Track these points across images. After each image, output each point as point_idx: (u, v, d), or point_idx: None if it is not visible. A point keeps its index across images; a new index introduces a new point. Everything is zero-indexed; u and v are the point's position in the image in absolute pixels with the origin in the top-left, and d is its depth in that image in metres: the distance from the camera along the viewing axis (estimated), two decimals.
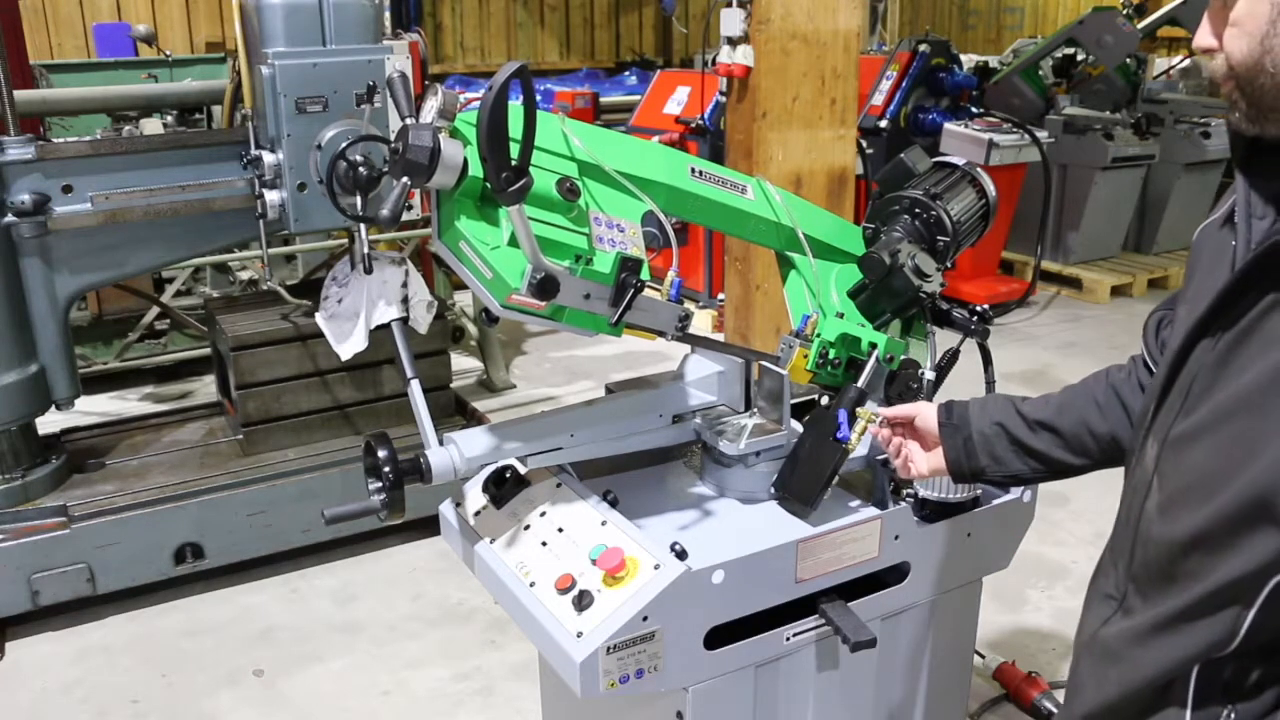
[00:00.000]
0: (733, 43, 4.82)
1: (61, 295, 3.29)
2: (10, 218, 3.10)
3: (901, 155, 2.04)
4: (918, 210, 1.94)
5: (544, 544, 1.75)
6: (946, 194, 1.96)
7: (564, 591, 1.63)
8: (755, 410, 1.98)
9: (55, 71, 6.07)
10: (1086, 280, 6.95)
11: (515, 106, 1.44)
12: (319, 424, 3.81)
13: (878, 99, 6.60)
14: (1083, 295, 6.94)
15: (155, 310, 5.01)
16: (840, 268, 1.97)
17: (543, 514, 1.82)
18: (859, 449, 1.80)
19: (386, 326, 3.24)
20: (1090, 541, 3.74)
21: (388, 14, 3.92)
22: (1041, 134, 6.25)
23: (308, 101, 3.19)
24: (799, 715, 1.84)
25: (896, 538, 1.81)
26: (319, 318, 3.43)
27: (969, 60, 7.38)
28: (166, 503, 3.39)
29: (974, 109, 6.54)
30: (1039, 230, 5.88)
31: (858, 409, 1.76)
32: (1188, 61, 8.55)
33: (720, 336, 5.72)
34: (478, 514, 1.91)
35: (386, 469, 1.67)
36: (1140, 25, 6.89)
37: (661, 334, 1.68)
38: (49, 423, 3.60)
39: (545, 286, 1.50)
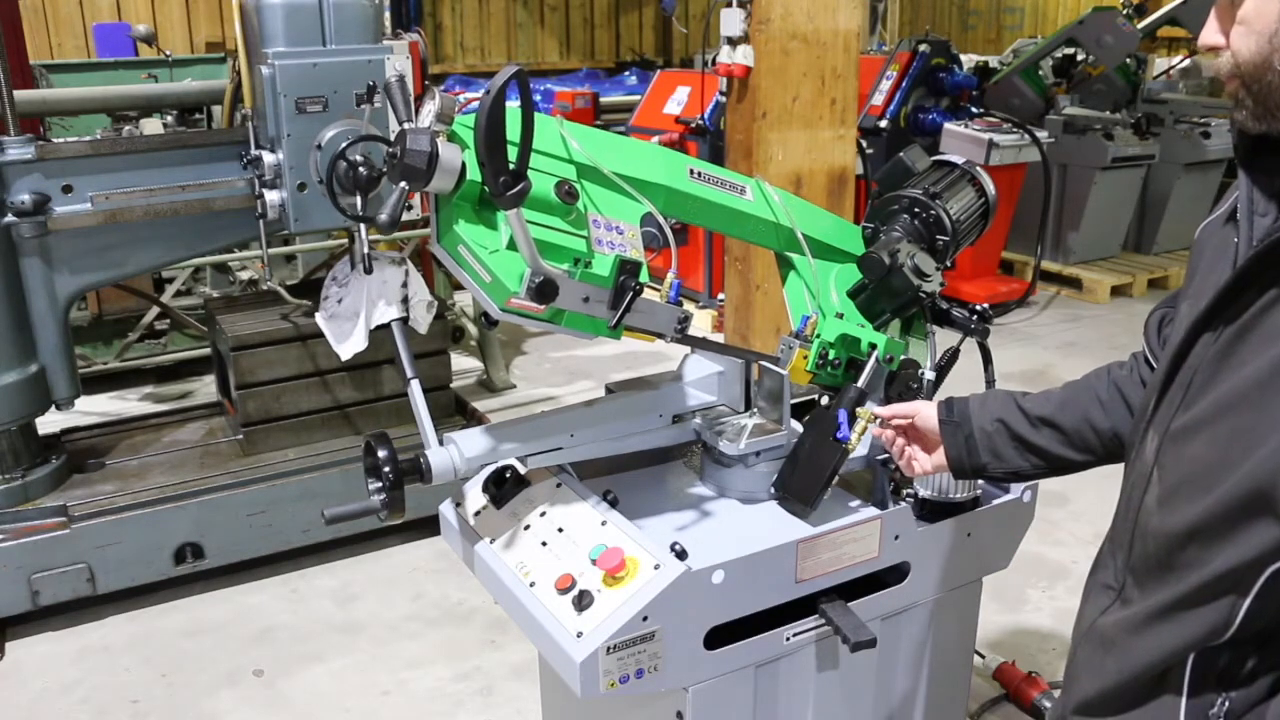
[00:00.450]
0: (733, 43, 4.82)
1: (61, 295, 3.29)
2: (10, 218, 3.10)
3: (900, 154, 2.04)
4: (917, 209, 1.94)
5: (544, 544, 1.75)
6: (946, 193, 1.96)
7: (564, 591, 1.63)
8: (755, 410, 1.98)
9: (55, 71, 6.08)
10: (1086, 280, 6.95)
11: (513, 109, 1.44)
12: (319, 424, 3.81)
13: (878, 99, 6.60)
14: (1083, 295, 6.94)
15: (155, 310, 5.01)
16: (840, 268, 1.97)
17: (543, 514, 1.82)
18: (859, 449, 1.80)
19: (386, 326, 3.24)
20: (1090, 541, 3.73)
21: (388, 14, 3.92)
22: (1041, 134, 6.25)
23: (308, 101, 3.19)
24: (799, 715, 1.84)
25: (896, 538, 1.81)
26: (319, 318, 3.43)
27: (969, 60, 7.38)
28: (166, 503, 3.40)
29: (974, 109, 6.54)
30: (1039, 230, 5.88)
31: (858, 409, 1.76)
32: (1188, 61, 8.55)
33: (720, 336, 5.72)
34: (478, 514, 1.91)
35: (386, 469, 1.67)
36: (1140, 25, 6.89)
37: (661, 336, 1.68)
38: (49, 423, 3.60)
39: (544, 290, 1.50)
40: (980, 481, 1.84)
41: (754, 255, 5.02)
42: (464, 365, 5.49)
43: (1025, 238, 7.02)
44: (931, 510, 1.85)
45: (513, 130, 1.42)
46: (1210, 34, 1.19)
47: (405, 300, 3.38)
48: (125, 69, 6.34)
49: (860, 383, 1.83)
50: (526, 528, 1.81)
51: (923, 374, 1.93)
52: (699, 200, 1.80)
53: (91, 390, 4.79)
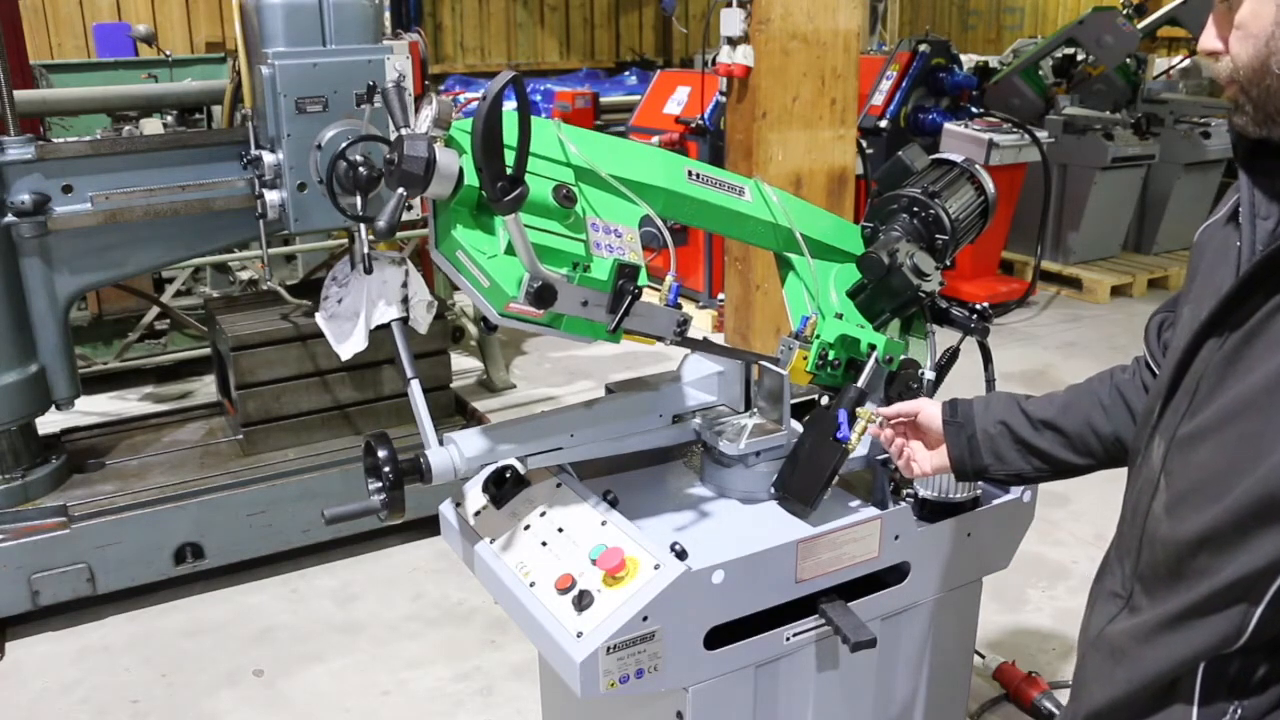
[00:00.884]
0: (733, 43, 4.83)
1: (61, 295, 3.29)
2: (10, 218, 3.10)
3: (899, 153, 2.04)
4: (916, 209, 1.94)
5: (544, 544, 1.75)
6: (945, 191, 1.96)
7: (564, 591, 1.63)
8: (755, 410, 1.98)
9: (55, 71, 6.08)
10: (1086, 280, 6.95)
11: (510, 113, 1.44)
12: (319, 424, 3.81)
13: (878, 99, 6.60)
14: (1083, 295, 6.94)
15: (155, 310, 5.01)
16: (839, 267, 1.97)
17: (543, 514, 1.82)
18: (859, 449, 1.80)
19: (386, 326, 3.24)
20: (1090, 542, 3.74)
21: (388, 14, 3.93)
22: (1041, 134, 6.25)
23: (308, 101, 3.19)
24: (799, 715, 1.84)
25: (896, 538, 1.81)
26: (319, 318, 3.43)
27: (969, 60, 7.39)
28: (166, 503, 3.40)
29: (974, 109, 6.54)
30: (1039, 230, 5.88)
31: (858, 409, 1.76)
32: (1188, 61, 8.56)
33: (720, 336, 5.72)
34: (478, 514, 1.91)
35: (386, 469, 1.67)
36: (1140, 25, 6.89)
37: (660, 339, 1.68)
38: (49, 423, 3.60)
39: (543, 295, 1.51)
40: (980, 482, 1.84)
41: (754, 255, 5.02)
42: (464, 365, 5.49)
43: (1025, 238, 7.03)
44: (931, 510, 1.85)
45: (510, 134, 1.42)
46: (1209, 39, 1.19)
47: (405, 300, 3.38)
48: (125, 69, 6.35)
49: (860, 383, 1.83)
50: (526, 528, 1.81)
51: (923, 374, 1.93)
52: (698, 202, 1.80)
53: (91, 390, 4.79)
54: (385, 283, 3.32)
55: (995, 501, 1.92)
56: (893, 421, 1.75)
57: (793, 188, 4.93)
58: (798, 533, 1.73)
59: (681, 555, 1.62)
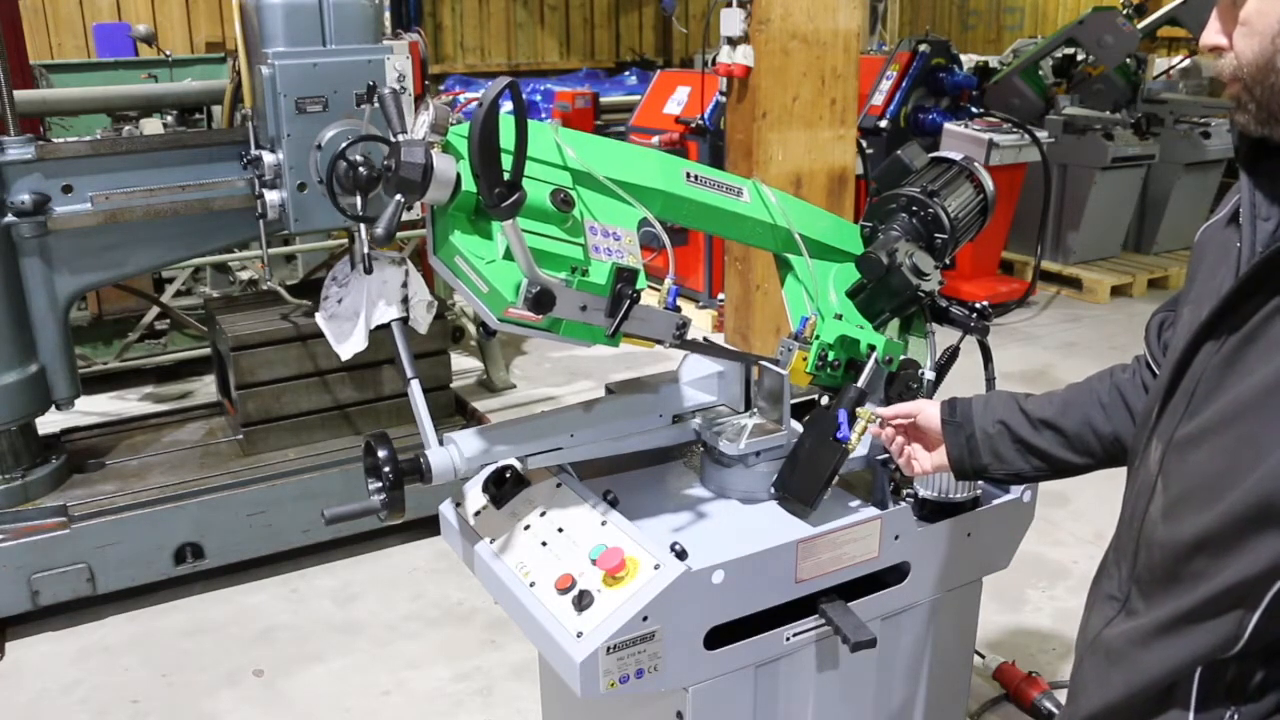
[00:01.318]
0: (733, 43, 4.83)
1: (61, 295, 3.29)
2: (10, 218, 3.10)
3: (898, 152, 2.04)
4: (915, 208, 1.94)
5: (544, 544, 1.75)
6: (944, 190, 1.96)
7: (564, 591, 1.63)
8: (755, 410, 1.98)
9: (55, 71, 6.08)
10: (1086, 280, 6.95)
11: (507, 118, 1.43)
12: (319, 424, 3.81)
13: (878, 99, 6.60)
14: (1083, 295, 6.94)
15: (155, 310, 5.01)
16: (839, 267, 1.97)
17: (543, 514, 1.82)
18: (859, 449, 1.80)
19: (386, 326, 3.24)
20: (1090, 541, 3.74)
21: (388, 14, 3.93)
22: (1041, 134, 6.25)
23: (308, 101, 3.19)
24: (799, 715, 1.84)
25: (896, 538, 1.81)
26: (319, 318, 3.43)
27: (969, 60, 7.39)
28: (166, 503, 3.39)
29: (974, 109, 6.54)
30: (1039, 230, 5.87)
31: (858, 409, 1.76)
32: (1188, 61, 8.56)
33: (720, 336, 5.72)
34: (478, 514, 1.91)
35: (386, 469, 1.67)
36: (1140, 25, 6.89)
37: (659, 342, 1.68)
38: (49, 423, 3.60)
39: (541, 300, 1.51)
40: (980, 481, 1.84)
41: (754, 255, 5.02)
42: (464, 365, 5.49)
43: (1025, 238, 7.03)
44: (931, 510, 1.84)
45: (507, 139, 1.42)
46: (1212, 35, 1.18)
47: (405, 300, 3.37)
48: (125, 69, 6.35)
49: (860, 384, 1.83)
50: (526, 528, 1.81)
51: (922, 374, 1.93)
52: (696, 204, 1.80)
53: (91, 390, 4.79)
54: (385, 283, 3.32)
55: (995, 501, 1.92)
56: (893, 422, 1.75)
57: (793, 188, 4.93)
58: (798, 533, 1.73)
59: (681, 555, 1.62)
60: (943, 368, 1.97)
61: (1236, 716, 1.21)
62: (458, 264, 1.58)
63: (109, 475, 3.58)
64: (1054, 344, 6.02)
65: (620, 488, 1.88)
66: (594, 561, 1.64)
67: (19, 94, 3.53)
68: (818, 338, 1.83)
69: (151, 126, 4.99)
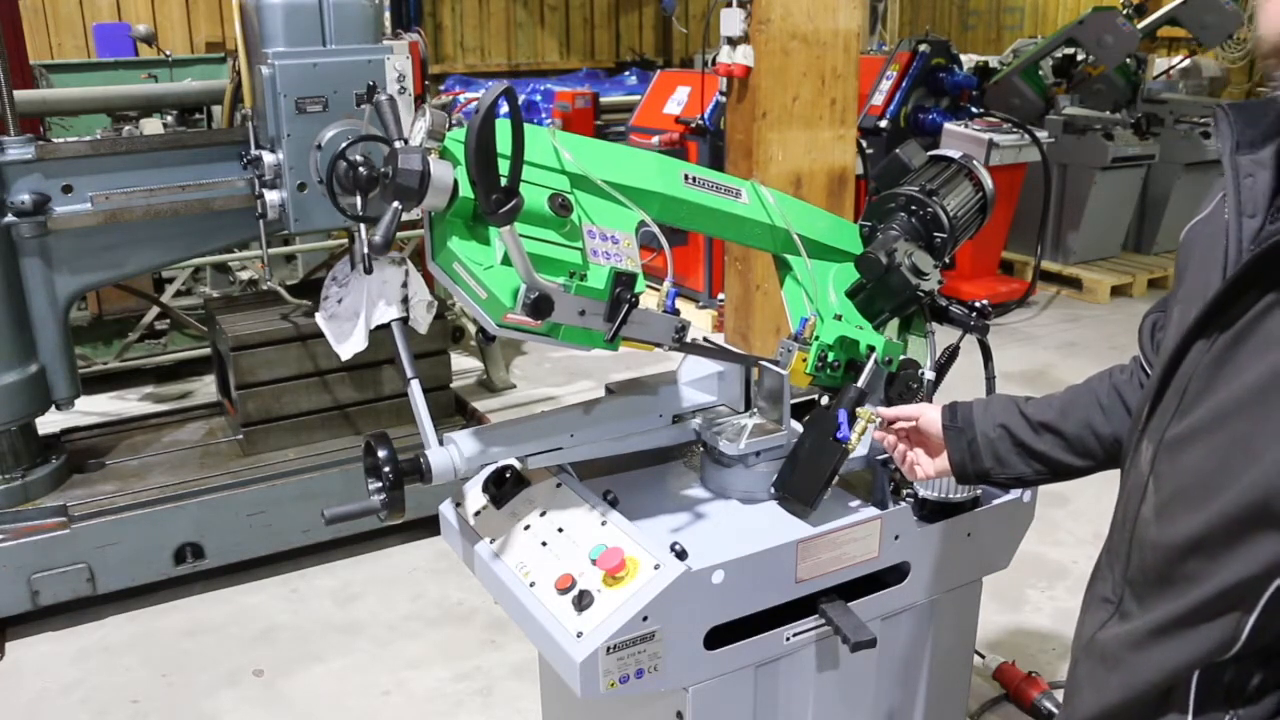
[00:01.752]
0: (733, 43, 4.83)
1: (61, 295, 3.29)
2: (10, 218, 3.10)
3: (897, 150, 2.04)
4: (914, 207, 1.94)
5: (544, 544, 1.75)
6: (943, 189, 1.96)
7: (564, 591, 1.63)
8: (755, 410, 1.98)
9: (55, 71, 6.08)
10: (1086, 280, 6.95)
11: (504, 122, 1.43)
12: (319, 424, 3.81)
13: (878, 99, 6.60)
14: (1083, 295, 6.94)
15: (155, 310, 5.01)
16: (838, 267, 1.97)
17: (543, 514, 1.82)
18: (859, 449, 1.80)
19: (386, 326, 3.24)
20: (1090, 542, 3.74)
21: (388, 14, 3.93)
22: (1041, 134, 6.25)
23: (308, 101, 3.19)
24: (799, 715, 1.84)
25: (896, 538, 1.81)
26: (319, 318, 3.43)
27: (969, 60, 7.38)
28: (166, 503, 3.39)
29: (974, 109, 6.54)
30: (1039, 230, 5.88)
31: (858, 409, 1.76)
32: (1188, 61, 8.56)
33: (720, 337, 5.72)
34: (478, 514, 1.91)
35: (386, 469, 1.67)
36: (1140, 25, 6.88)
37: (658, 345, 1.68)
38: (49, 423, 3.60)
39: (539, 306, 1.51)
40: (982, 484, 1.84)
41: (754, 255, 5.02)
42: (464, 365, 5.49)
43: (1025, 238, 7.02)
44: (931, 510, 1.85)
45: (504, 143, 1.42)
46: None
47: (405, 300, 3.37)
48: (125, 69, 6.35)
49: (859, 384, 1.83)
50: (526, 528, 1.81)
51: (922, 373, 1.93)
52: (695, 206, 1.80)
53: (91, 390, 4.79)
54: (385, 283, 3.32)
55: (995, 502, 1.92)
56: (894, 426, 1.75)
57: (793, 188, 4.93)
58: (798, 533, 1.73)
59: (681, 555, 1.62)
60: (943, 367, 1.97)
61: (1235, 719, 1.21)
62: (456, 270, 1.58)
63: (109, 475, 3.58)
64: (1054, 344, 6.02)
65: (620, 488, 1.88)
66: (594, 561, 1.64)
67: (19, 94, 3.53)
68: (817, 338, 1.82)
69: (151, 126, 4.99)
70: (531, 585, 1.69)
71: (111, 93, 4.91)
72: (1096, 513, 3.89)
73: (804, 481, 1.80)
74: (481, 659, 3.19)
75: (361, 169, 3.02)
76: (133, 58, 7.10)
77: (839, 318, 1.87)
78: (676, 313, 1.69)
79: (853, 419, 1.75)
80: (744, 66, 4.81)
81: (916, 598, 1.90)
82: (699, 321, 6.22)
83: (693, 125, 6.21)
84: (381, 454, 1.67)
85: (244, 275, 5.41)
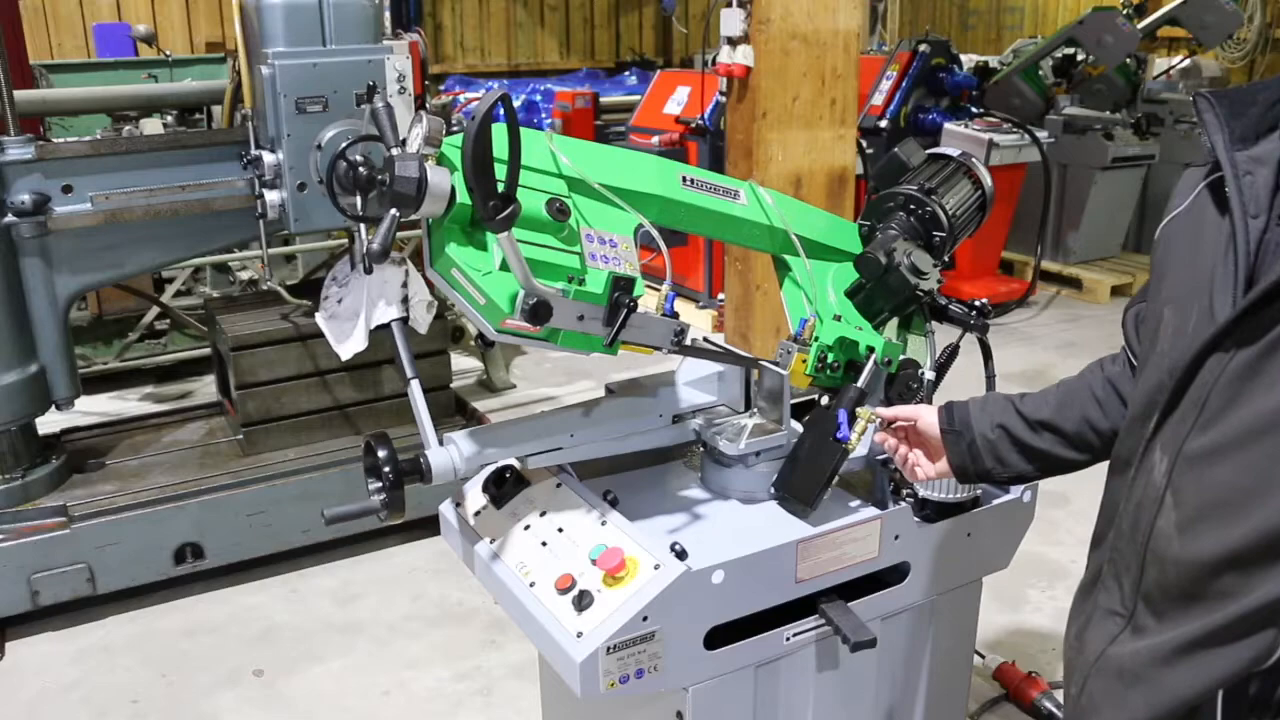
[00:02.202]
0: (733, 43, 4.83)
1: (61, 295, 3.29)
2: (10, 218, 3.10)
3: (895, 149, 2.04)
4: (912, 206, 1.94)
5: (544, 544, 1.75)
6: (941, 187, 1.96)
7: (564, 591, 1.63)
8: (755, 410, 1.98)
9: (55, 71, 6.07)
10: (1086, 280, 6.95)
11: (501, 127, 1.43)
12: (319, 424, 3.81)
13: (878, 99, 6.60)
14: (1083, 295, 6.94)
15: (155, 310, 5.01)
16: (838, 266, 1.97)
17: (543, 514, 1.82)
18: (859, 449, 1.80)
19: (386, 326, 3.24)
20: (1090, 542, 3.72)
21: (388, 14, 3.93)
22: (1041, 134, 6.25)
23: (308, 101, 3.19)
24: (799, 715, 1.84)
25: (896, 538, 1.81)
26: (319, 318, 3.43)
27: (969, 60, 7.38)
28: (166, 503, 3.40)
29: (974, 109, 6.54)
30: (1039, 230, 5.89)
31: (858, 409, 1.76)
32: (1188, 61, 8.56)
33: (720, 337, 5.72)
34: (478, 514, 1.91)
35: (386, 469, 1.67)
36: (1140, 25, 6.88)
37: (657, 349, 1.68)
38: (49, 423, 3.60)
39: (538, 312, 1.51)
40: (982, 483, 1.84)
41: (754, 255, 5.02)
42: (464, 365, 5.49)
43: (1025, 238, 7.02)
44: (931, 510, 1.85)
45: (501, 147, 1.42)
46: None
47: (405, 300, 3.37)
48: (125, 69, 6.34)
49: (859, 384, 1.83)
50: (526, 528, 1.81)
51: (922, 373, 1.93)
52: (693, 208, 1.80)
53: (91, 390, 4.78)
54: (385, 283, 3.32)
55: (995, 501, 1.92)
56: (893, 427, 1.75)
57: (793, 188, 4.93)
58: (798, 533, 1.73)
59: (681, 555, 1.62)
60: (942, 366, 1.97)
61: None
62: (454, 276, 1.58)
63: (109, 475, 3.58)
64: (1054, 344, 6.02)
65: (620, 488, 1.88)
66: (594, 561, 1.64)
67: (19, 94, 3.53)
68: (816, 339, 1.82)
69: (151, 126, 4.99)
70: (531, 585, 1.69)
71: (111, 93, 4.91)
72: (1096, 513, 3.88)
73: (804, 481, 1.80)
74: (481, 659, 3.19)
75: (361, 169, 3.01)
76: (133, 58, 7.09)
77: (838, 318, 1.87)
78: (675, 315, 1.69)
79: (853, 419, 1.75)
80: (744, 66, 4.81)
81: (916, 598, 1.90)
82: (699, 322, 6.22)
83: (693, 125, 6.21)
84: (381, 454, 1.67)
85: (244, 275, 5.41)
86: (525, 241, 1.54)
